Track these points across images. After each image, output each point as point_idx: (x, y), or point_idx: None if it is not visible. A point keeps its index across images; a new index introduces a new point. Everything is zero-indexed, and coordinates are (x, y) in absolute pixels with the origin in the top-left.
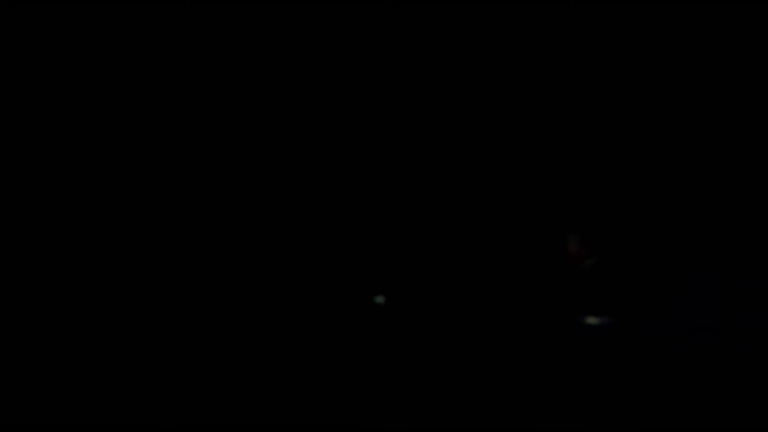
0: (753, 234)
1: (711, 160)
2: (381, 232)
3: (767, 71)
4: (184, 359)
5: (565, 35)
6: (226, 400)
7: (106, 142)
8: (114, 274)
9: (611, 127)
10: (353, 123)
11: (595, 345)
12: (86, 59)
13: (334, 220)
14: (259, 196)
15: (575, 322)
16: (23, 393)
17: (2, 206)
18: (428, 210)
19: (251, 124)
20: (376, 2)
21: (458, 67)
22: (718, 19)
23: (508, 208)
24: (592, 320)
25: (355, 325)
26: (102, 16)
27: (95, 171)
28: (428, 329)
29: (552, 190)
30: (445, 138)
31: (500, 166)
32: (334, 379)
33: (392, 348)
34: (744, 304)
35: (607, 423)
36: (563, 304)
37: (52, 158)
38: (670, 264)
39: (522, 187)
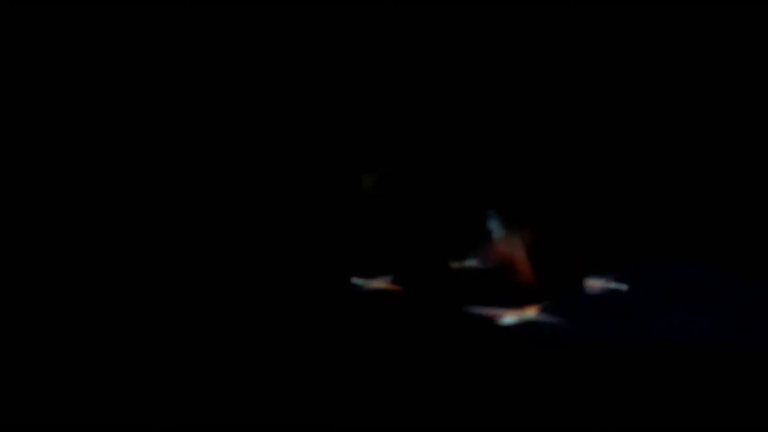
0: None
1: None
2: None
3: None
4: (174, 358)
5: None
6: (216, 398)
7: (106, 142)
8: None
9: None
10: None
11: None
12: (86, 59)
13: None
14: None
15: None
16: (23, 393)
17: (2, 206)
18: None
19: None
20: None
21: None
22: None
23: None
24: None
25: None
26: (102, 16)
27: (95, 171)
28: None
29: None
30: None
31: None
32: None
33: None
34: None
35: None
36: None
37: (52, 158)
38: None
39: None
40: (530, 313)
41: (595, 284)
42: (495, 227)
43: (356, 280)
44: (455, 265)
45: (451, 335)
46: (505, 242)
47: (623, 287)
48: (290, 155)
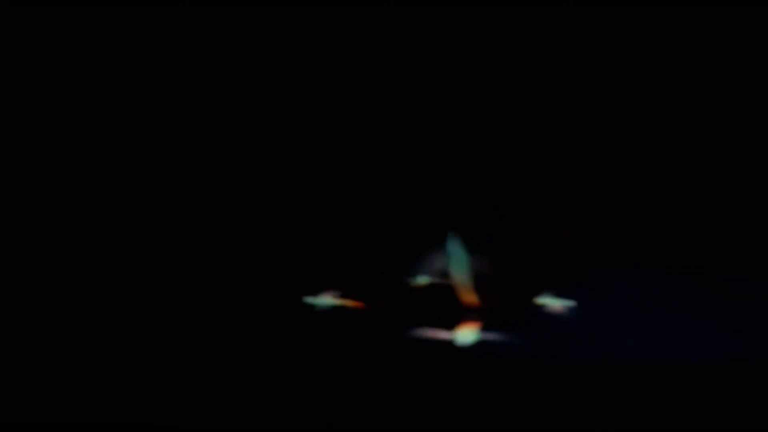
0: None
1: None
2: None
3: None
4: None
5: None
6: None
7: (106, 143)
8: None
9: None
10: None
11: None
12: (86, 59)
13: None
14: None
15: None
16: (23, 393)
17: (2, 206)
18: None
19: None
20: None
21: None
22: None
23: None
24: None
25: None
26: (102, 16)
27: (95, 171)
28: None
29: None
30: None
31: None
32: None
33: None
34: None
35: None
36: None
37: (52, 158)
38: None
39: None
40: (472, 333)
41: (545, 302)
42: (452, 250)
43: (308, 299)
44: (408, 282)
45: (398, 355)
46: (456, 265)
47: (571, 304)
48: (239, 170)
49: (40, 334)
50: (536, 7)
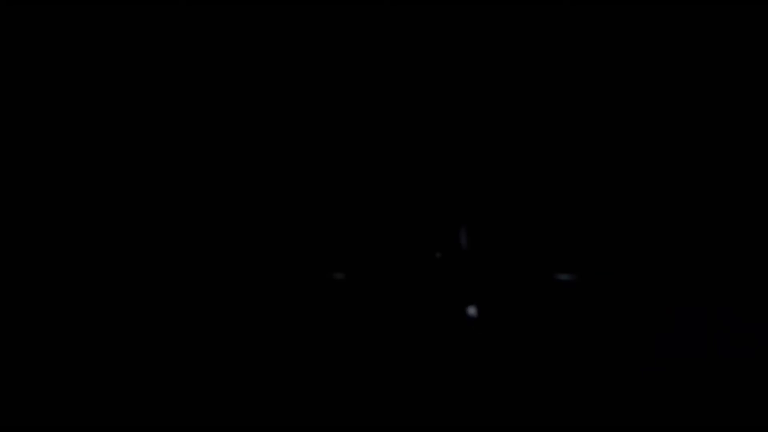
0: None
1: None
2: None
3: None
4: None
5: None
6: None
7: (106, 143)
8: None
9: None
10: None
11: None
12: (86, 59)
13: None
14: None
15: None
16: (23, 393)
17: (2, 206)
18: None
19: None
20: (376, 2)
21: None
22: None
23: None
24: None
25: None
26: (102, 16)
27: (95, 171)
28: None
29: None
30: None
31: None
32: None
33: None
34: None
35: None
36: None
37: (52, 158)
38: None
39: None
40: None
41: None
42: (462, 236)
43: (337, 275)
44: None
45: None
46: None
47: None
48: (264, 154)
49: (40, 334)
50: (536, 7)
